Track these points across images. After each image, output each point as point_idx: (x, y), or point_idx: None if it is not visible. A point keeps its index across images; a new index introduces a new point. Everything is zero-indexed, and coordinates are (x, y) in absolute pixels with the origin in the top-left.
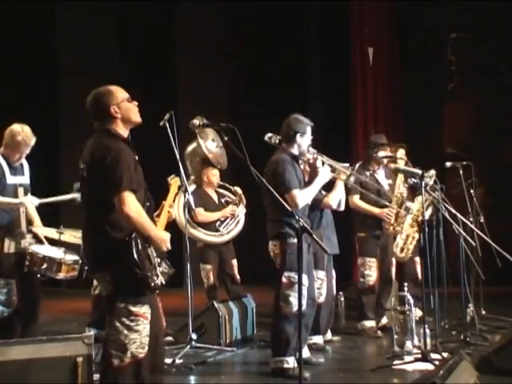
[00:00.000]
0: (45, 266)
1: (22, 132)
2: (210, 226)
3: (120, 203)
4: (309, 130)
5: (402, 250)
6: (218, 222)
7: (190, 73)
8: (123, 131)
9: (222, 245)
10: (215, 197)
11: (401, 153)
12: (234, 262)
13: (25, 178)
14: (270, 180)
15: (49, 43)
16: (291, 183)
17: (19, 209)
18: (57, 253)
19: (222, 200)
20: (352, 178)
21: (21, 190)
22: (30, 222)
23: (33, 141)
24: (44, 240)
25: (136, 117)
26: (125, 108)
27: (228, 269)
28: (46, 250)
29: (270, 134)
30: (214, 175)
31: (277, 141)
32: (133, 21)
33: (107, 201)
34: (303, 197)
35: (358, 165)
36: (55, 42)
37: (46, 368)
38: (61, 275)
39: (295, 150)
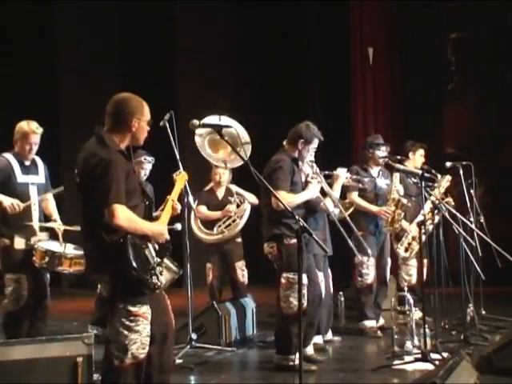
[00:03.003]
0: (46, 259)
1: (29, 123)
2: (209, 225)
3: (109, 216)
4: (315, 141)
5: (406, 249)
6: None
7: (190, 73)
8: (123, 144)
9: (226, 245)
10: (220, 195)
11: (420, 153)
12: (238, 264)
13: (39, 178)
14: (267, 179)
15: (49, 43)
16: (281, 183)
17: (30, 207)
18: (58, 247)
19: (232, 199)
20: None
21: (33, 189)
22: (48, 218)
23: (40, 130)
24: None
25: (142, 141)
26: (142, 128)
27: (230, 271)
28: (49, 245)
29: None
30: (216, 174)
31: None
32: (133, 21)
33: (100, 207)
34: (289, 201)
35: (355, 167)
36: (55, 42)
37: (46, 368)
38: (61, 269)
39: (295, 154)
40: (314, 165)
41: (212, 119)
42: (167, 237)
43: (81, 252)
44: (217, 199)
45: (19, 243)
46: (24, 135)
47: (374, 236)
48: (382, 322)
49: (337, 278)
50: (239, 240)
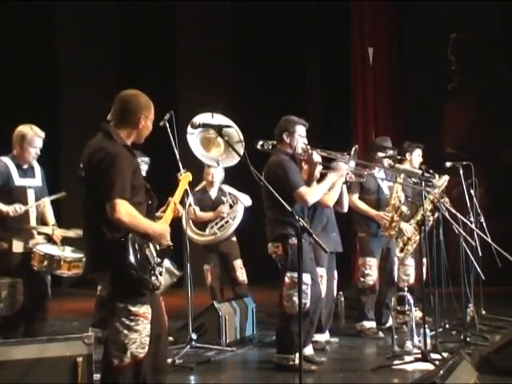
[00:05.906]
0: (45, 263)
1: (32, 127)
2: (201, 225)
3: (111, 210)
4: (299, 128)
5: (401, 250)
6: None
7: (190, 73)
8: (128, 140)
9: (222, 245)
10: (213, 195)
11: (417, 153)
12: (237, 263)
13: (36, 181)
14: (273, 183)
15: (49, 43)
16: (297, 182)
17: (28, 210)
18: (57, 250)
19: (225, 200)
20: (352, 163)
21: (31, 193)
22: (43, 221)
23: (43, 134)
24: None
25: (143, 139)
26: (147, 126)
27: (230, 270)
28: (47, 248)
29: (260, 142)
30: (208, 173)
31: (270, 146)
32: (133, 21)
33: (104, 202)
34: (313, 193)
35: (354, 148)
36: (55, 42)
37: (46, 368)
38: (60, 272)
39: (289, 150)
40: (303, 145)
41: (205, 117)
42: (169, 240)
43: (79, 255)
44: (210, 199)
45: (17, 246)
46: (30, 139)
47: (377, 237)
48: (390, 322)
49: (338, 278)
50: (234, 239)
